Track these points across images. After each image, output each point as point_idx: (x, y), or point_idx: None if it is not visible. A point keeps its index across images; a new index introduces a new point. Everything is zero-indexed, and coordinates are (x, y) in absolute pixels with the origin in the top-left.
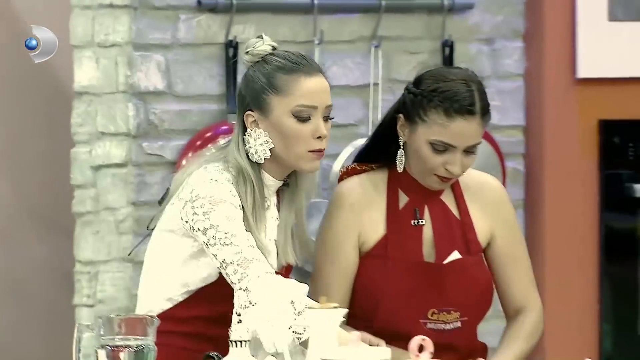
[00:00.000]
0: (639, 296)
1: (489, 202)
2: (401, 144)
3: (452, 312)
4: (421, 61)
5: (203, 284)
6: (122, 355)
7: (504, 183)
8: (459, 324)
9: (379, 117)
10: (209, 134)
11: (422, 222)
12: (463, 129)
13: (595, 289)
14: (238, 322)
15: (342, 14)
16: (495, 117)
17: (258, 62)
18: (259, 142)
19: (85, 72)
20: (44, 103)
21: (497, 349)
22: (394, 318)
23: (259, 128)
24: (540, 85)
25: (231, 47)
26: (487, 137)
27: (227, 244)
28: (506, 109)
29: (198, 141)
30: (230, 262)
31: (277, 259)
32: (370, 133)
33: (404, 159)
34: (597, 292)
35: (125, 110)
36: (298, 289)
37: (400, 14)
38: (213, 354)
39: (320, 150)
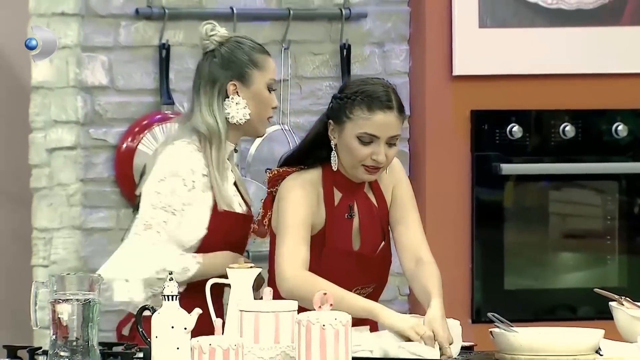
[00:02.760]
0: (505, 257)
1: (391, 179)
2: (333, 146)
3: (371, 285)
4: (323, 61)
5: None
6: (71, 306)
7: None
8: (371, 290)
9: (288, 107)
10: (145, 122)
11: (353, 215)
12: (383, 120)
13: (468, 251)
14: (170, 280)
15: (257, 21)
16: None
17: (224, 43)
18: (241, 107)
19: (41, 70)
20: (6, 96)
21: (421, 295)
22: None
23: (238, 96)
24: (422, 81)
25: (164, 49)
26: None
27: (158, 208)
28: None
29: (136, 128)
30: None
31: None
32: (280, 121)
33: (337, 159)
34: (470, 254)
35: (74, 102)
36: (168, 260)
37: (306, 22)
38: (149, 306)
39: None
